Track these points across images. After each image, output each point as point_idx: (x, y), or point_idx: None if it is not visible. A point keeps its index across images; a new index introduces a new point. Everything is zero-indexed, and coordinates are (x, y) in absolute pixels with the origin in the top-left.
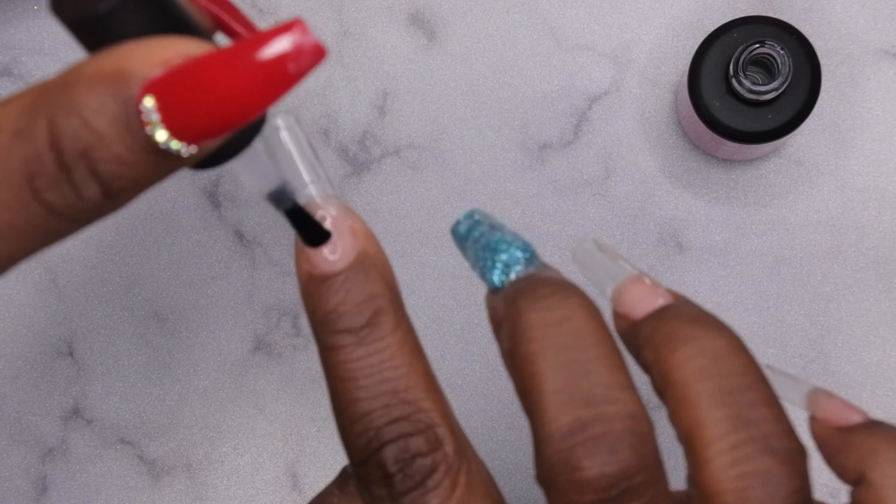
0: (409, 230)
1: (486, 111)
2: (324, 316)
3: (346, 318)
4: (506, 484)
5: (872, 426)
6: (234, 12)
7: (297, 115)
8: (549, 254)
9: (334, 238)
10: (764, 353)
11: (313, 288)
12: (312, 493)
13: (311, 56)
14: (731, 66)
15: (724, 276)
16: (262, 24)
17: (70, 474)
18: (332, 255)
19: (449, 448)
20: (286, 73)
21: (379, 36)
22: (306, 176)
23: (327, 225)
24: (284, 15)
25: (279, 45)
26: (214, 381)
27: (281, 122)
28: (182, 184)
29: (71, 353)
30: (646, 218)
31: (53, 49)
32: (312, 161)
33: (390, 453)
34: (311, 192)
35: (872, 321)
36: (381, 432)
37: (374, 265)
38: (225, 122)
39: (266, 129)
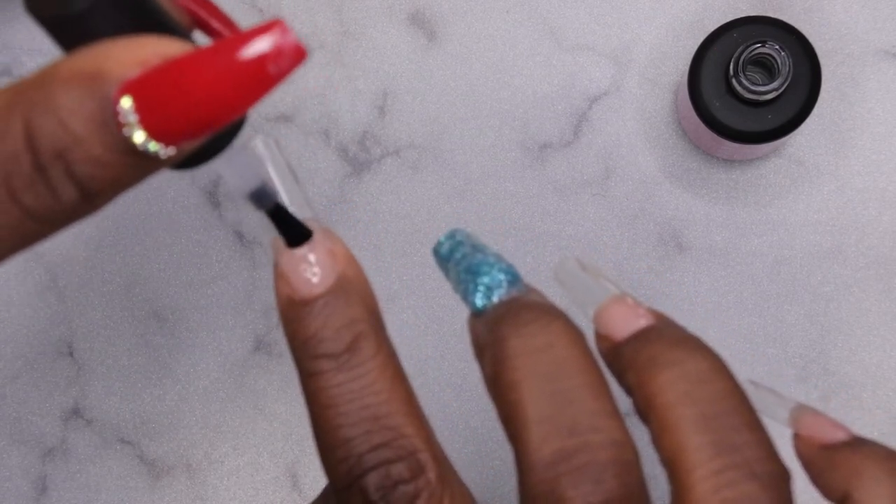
0: (409, 230)
1: (486, 111)
2: (304, 341)
3: (327, 344)
4: (506, 483)
5: (857, 444)
6: (214, 10)
7: (276, 138)
8: (548, 254)
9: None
10: (764, 353)
11: (293, 313)
12: (312, 492)
13: (292, 57)
14: (731, 66)
15: (724, 276)
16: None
17: (70, 474)
18: (312, 279)
19: (431, 474)
20: (266, 74)
21: (379, 36)
22: (286, 199)
23: (306, 251)
24: (285, 15)
25: (259, 46)
26: (214, 381)
27: (260, 145)
28: (182, 184)
29: (71, 353)
30: (646, 218)
31: (53, 49)
32: (292, 184)
33: (372, 480)
34: None
35: (872, 321)
36: (363, 459)
37: (354, 289)
38: (204, 124)
39: (245, 152)
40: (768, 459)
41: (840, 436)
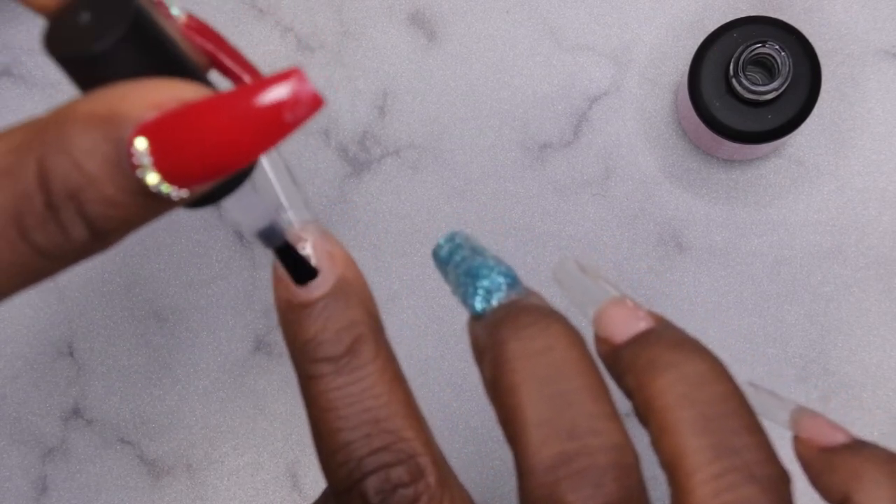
0: (409, 230)
1: (486, 111)
2: (303, 344)
3: (326, 347)
4: (506, 483)
5: (857, 447)
6: (230, 50)
7: None
8: (548, 254)
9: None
10: (764, 353)
11: (292, 316)
12: (312, 492)
13: (309, 105)
14: (731, 66)
15: (724, 276)
16: (263, 25)
17: (70, 474)
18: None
19: (431, 478)
20: (282, 122)
21: (379, 36)
22: (284, 201)
23: (307, 252)
24: (285, 15)
25: (276, 93)
26: (214, 381)
27: None
28: None
29: (71, 353)
30: (646, 218)
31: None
32: (290, 186)
33: (372, 484)
34: (289, 218)
35: (872, 321)
36: (363, 463)
37: (353, 291)
38: (217, 168)
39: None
40: (768, 462)
41: (840, 438)
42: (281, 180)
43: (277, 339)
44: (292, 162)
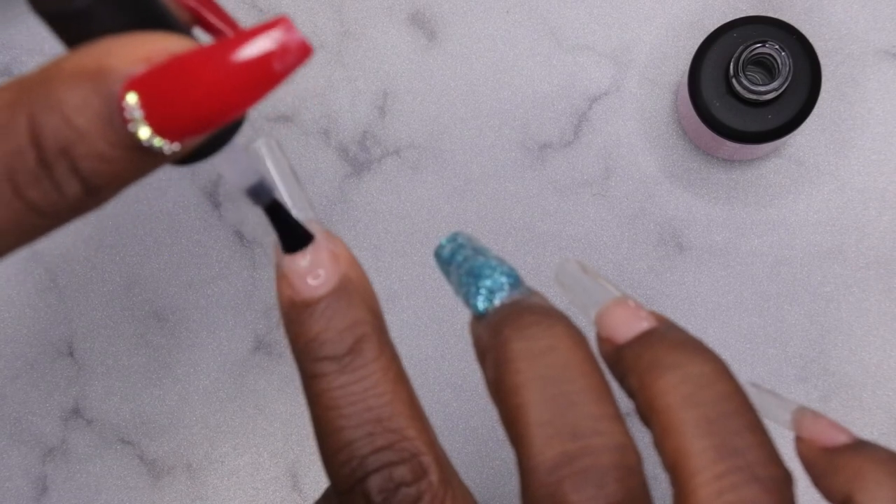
0: (409, 230)
1: (486, 111)
2: (306, 343)
3: (329, 346)
4: (506, 483)
5: (859, 447)
6: (214, 7)
7: (277, 139)
8: (549, 254)
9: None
10: (764, 353)
11: (295, 314)
12: (312, 492)
13: (297, 54)
14: (731, 66)
15: (724, 276)
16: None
17: (70, 474)
18: (313, 281)
19: (434, 477)
20: (271, 71)
21: (379, 36)
22: (288, 200)
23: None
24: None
25: (264, 43)
26: (214, 381)
27: (262, 146)
28: (182, 184)
29: (71, 353)
30: (646, 218)
31: (53, 49)
32: (293, 184)
33: (375, 483)
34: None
35: (872, 321)
36: (366, 462)
37: (356, 290)
38: (209, 120)
39: (244, 149)
40: (771, 463)
41: (842, 438)
42: (285, 180)
43: (277, 339)
44: (292, 162)
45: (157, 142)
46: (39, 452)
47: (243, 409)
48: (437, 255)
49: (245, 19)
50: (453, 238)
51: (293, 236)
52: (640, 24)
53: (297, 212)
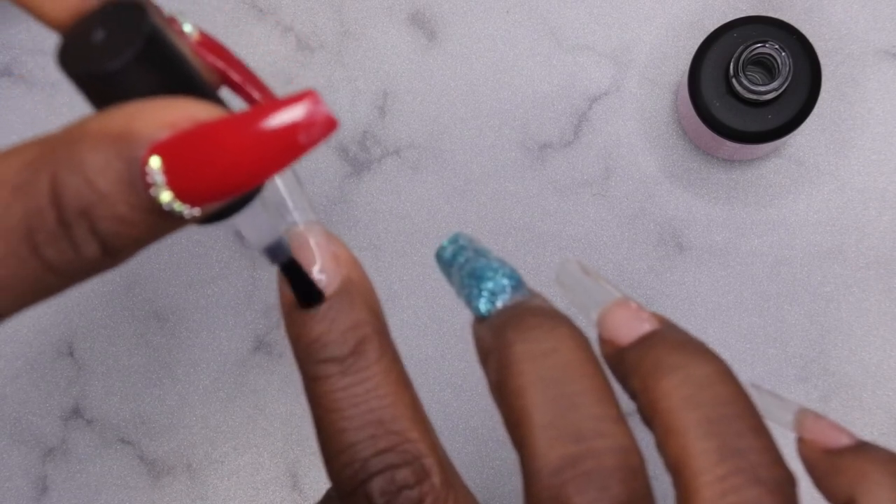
0: (409, 230)
1: (486, 111)
2: (308, 345)
3: (331, 347)
4: (506, 483)
5: (861, 448)
6: (241, 68)
7: None
8: (549, 254)
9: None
10: (764, 353)
11: (297, 316)
12: (312, 492)
13: (323, 127)
14: (731, 66)
15: (724, 276)
16: (264, 25)
17: (70, 474)
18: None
19: (436, 479)
20: (296, 143)
21: (379, 36)
22: (289, 202)
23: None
24: (285, 15)
25: (291, 115)
26: (214, 381)
27: None
28: None
29: (71, 353)
30: (646, 218)
31: (53, 49)
32: (295, 188)
33: (377, 485)
34: (293, 219)
35: (872, 321)
36: (368, 464)
37: (358, 292)
38: (230, 188)
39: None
40: (773, 464)
41: (844, 440)
42: (286, 182)
43: (277, 338)
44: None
45: (178, 206)
46: (39, 452)
47: (243, 409)
48: (439, 256)
49: (245, 19)
50: (454, 239)
51: (308, 293)
52: (640, 24)
53: (299, 213)
